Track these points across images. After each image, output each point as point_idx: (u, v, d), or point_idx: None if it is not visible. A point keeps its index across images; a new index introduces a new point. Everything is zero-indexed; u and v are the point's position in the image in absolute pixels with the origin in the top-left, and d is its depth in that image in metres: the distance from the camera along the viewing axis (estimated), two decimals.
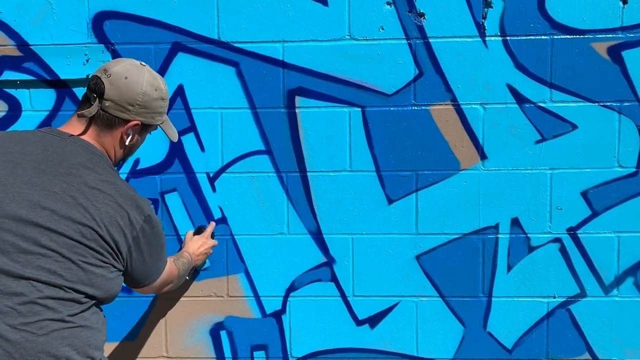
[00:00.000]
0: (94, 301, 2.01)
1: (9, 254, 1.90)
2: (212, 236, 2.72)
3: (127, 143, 2.12)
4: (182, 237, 2.76)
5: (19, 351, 1.88)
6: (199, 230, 2.72)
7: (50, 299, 1.91)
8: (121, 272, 2.07)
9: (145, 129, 2.17)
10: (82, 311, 1.98)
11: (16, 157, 1.99)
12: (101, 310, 2.08)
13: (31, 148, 2.01)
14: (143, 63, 2.16)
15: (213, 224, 2.74)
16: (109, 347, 2.81)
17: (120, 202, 2.01)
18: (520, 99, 2.65)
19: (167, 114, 2.23)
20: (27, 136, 2.07)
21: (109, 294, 2.04)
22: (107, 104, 2.05)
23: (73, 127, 2.09)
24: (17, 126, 2.73)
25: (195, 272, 2.75)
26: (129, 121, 2.09)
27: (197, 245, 2.63)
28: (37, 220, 1.92)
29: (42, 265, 1.91)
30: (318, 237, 2.75)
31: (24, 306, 1.90)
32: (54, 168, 1.98)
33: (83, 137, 2.07)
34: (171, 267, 2.33)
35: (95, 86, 2.06)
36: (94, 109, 2.05)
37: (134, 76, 2.08)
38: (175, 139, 2.30)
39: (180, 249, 2.67)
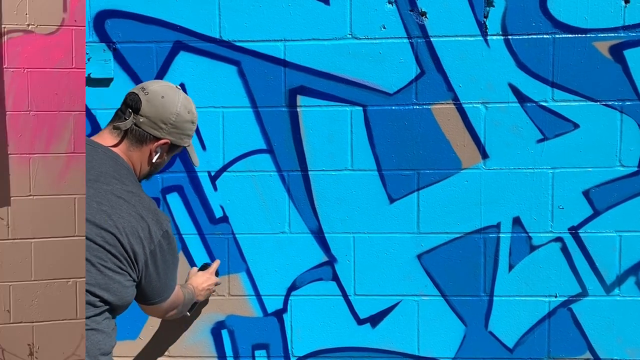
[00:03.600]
0: (107, 307, 2.03)
1: None
2: (217, 274, 2.71)
3: (154, 160, 2.17)
4: (184, 237, 2.76)
5: None
6: (203, 267, 2.70)
7: None
8: (135, 283, 2.09)
9: (172, 149, 2.21)
10: (95, 315, 2.01)
11: None
12: (113, 318, 2.10)
13: None
14: (178, 86, 2.22)
15: (218, 261, 2.73)
16: None
17: (142, 214, 2.06)
18: (522, 98, 2.65)
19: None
20: None
21: (123, 301, 2.06)
22: (141, 120, 2.11)
23: (105, 138, 2.15)
24: None
25: (193, 308, 2.60)
26: (159, 139, 2.14)
27: (202, 280, 2.62)
28: None
29: None
30: (319, 236, 2.75)
31: None
32: None
33: (113, 149, 2.13)
34: (178, 292, 2.34)
35: (132, 102, 2.13)
36: (129, 122, 2.11)
37: (170, 96, 2.14)
38: (197, 164, 2.34)
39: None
